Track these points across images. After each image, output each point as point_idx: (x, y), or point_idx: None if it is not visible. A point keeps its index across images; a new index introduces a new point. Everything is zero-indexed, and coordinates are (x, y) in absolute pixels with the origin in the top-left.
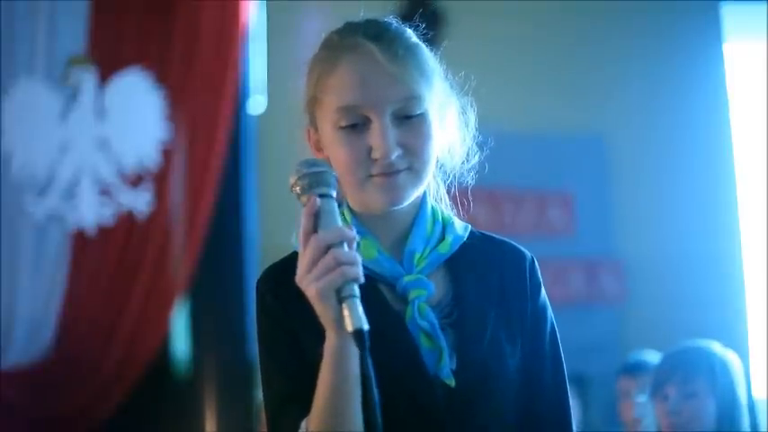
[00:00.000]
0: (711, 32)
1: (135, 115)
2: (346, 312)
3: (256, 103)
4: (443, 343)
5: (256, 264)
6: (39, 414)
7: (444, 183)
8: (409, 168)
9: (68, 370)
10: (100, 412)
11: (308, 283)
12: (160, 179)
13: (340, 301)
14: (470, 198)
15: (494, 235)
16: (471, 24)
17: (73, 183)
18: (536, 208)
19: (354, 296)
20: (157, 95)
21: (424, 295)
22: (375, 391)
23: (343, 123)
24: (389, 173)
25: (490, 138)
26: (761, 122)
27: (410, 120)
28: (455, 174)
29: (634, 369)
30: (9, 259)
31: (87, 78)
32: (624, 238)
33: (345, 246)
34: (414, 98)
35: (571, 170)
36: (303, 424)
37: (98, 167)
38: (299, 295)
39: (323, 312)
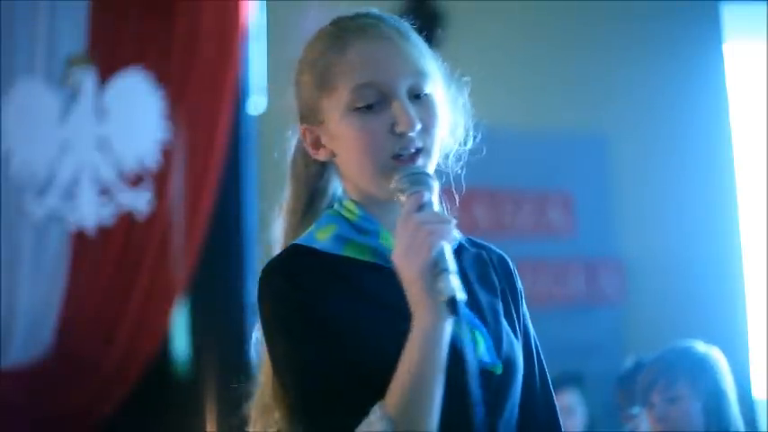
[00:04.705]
0: (711, 32)
1: (135, 115)
2: (441, 285)
3: (256, 103)
4: (484, 330)
5: (256, 263)
6: (39, 414)
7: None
8: (422, 148)
9: (68, 369)
10: (100, 412)
11: (407, 265)
12: (160, 179)
13: (434, 276)
14: (470, 198)
15: (475, 238)
16: (471, 24)
17: (73, 183)
18: (536, 208)
19: (448, 270)
20: (157, 95)
21: None
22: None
23: (360, 104)
24: (411, 154)
25: (478, 136)
26: (761, 122)
27: (420, 99)
28: (452, 158)
29: (634, 374)
30: (9, 259)
31: (87, 78)
32: (624, 238)
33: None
34: (424, 74)
35: (571, 170)
36: (377, 407)
37: (98, 167)
38: (315, 283)
39: (419, 291)
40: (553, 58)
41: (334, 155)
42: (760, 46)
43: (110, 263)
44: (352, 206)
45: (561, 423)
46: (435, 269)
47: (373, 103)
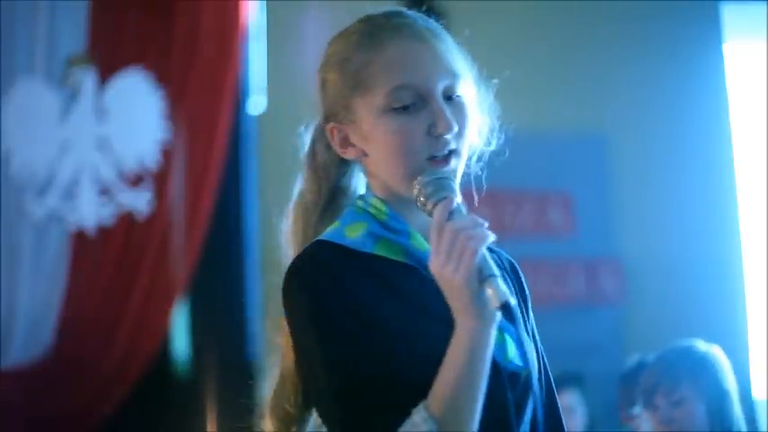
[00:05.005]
0: (711, 32)
1: (135, 115)
2: (490, 291)
3: (256, 103)
4: (512, 332)
5: (256, 263)
6: (39, 414)
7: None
8: (455, 150)
9: (68, 369)
10: (100, 412)
11: (451, 273)
12: (160, 179)
13: (481, 282)
14: (471, 198)
15: None
16: (471, 24)
17: (73, 183)
18: (536, 208)
19: (495, 275)
20: (157, 95)
21: None
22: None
23: (396, 105)
24: (444, 155)
25: (502, 137)
26: (761, 122)
27: (453, 100)
28: (474, 159)
29: (636, 374)
30: (9, 259)
31: (87, 78)
32: (624, 238)
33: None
34: (458, 76)
35: (571, 170)
36: (421, 408)
37: (98, 167)
38: (350, 280)
39: (463, 298)
40: (553, 58)
41: (364, 154)
42: (760, 46)
43: (110, 263)
44: (380, 204)
45: (565, 426)
46: (481, 276)
47: (409, 104)
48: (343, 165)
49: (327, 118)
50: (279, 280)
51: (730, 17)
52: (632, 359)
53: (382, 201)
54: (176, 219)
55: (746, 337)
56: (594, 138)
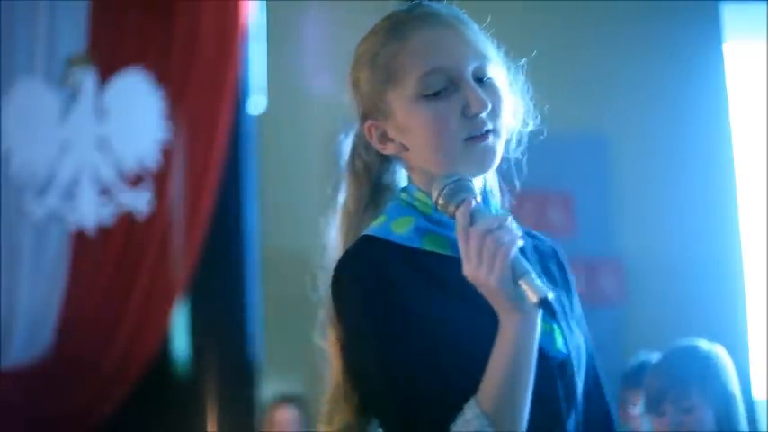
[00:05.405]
0: (711, 32)
1: (135, 115)
2: (526, 287)
3: (256, 103)
4: (560, 323)
5: (256, 263)
6: (39, 414)
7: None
8: (493, 130)
9: (68, 369)
10: (100, 412)
11: (485, 276)
12: (160, 179)
13: (515, 280)
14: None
15: (526, 228)
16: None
17: (73, 183)
18: (536, 208)
19: (528, 272)
20: (157, 95)
21: None
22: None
23: (428, 91)
24: (481, 134)
25: (538, 118)
26: (761, 122)
27: (484, 83)
28: (513, 143)
29: (638, 374)
30: (9, 259)
31: (87, 78)
32: (624, 238)
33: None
34: (487, 58)
35: (571, 170)
36: (472, 404)
37: (98, 167)
38: (403, 278)
39: (501, 298)
40: (554, 57)
41: (404, 148)
42: (760, 46)
43: (110, 263)
44: (424, 197)
45: (614, 414)
46: (515, 275)
47: (440, 89)
48: (385, 162)
49: (364, 117)
50: (280, 281)
51: (730, 17)
52: (635, 359)
53: (426, 193)
54: (176, 219)
55: (746, 337)
56: (595, 138)
